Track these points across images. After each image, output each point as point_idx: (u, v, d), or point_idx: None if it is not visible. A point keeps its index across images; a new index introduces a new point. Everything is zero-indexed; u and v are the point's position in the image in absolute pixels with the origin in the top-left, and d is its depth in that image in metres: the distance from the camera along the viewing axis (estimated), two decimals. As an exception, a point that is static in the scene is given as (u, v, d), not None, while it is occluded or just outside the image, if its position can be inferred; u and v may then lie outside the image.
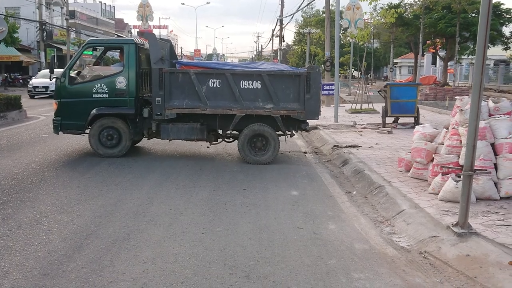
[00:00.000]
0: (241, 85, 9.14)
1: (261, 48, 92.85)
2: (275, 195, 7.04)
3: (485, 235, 4.88)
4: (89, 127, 9.47)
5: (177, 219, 5.79)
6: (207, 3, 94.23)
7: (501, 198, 6.16)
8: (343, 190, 7.51)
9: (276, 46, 54.79)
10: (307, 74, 9.14)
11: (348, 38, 25.41)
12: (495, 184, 6.22)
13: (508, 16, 38.39)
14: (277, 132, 9.48)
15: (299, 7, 37.73)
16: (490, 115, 6.82)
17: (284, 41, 50.60)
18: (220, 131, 9.91)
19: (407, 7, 39.50)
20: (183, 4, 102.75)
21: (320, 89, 9.63)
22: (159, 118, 9.27)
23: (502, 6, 38.11)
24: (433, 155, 6.97)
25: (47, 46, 41.05)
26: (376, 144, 10.93)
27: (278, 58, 46.02)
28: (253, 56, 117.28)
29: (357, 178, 8.07)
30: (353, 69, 40.47)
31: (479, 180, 6.03)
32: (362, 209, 6.46)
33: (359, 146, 10.62)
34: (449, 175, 6.16)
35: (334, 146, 10.78)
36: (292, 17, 43.53)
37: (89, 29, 53.65)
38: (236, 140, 9.79)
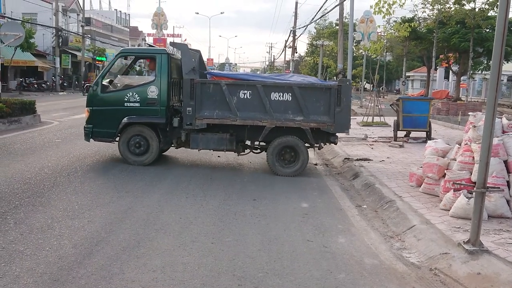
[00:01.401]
0: (272, 97, 9.13)
1: (274, 59, 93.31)
2: (285, 206, 7.04)
3: (497, 254, 4.83)
4: (119, 135, 9.61)
5: (187, 228, 5.81)
6: (221, 13, 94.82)
7: (513, 216, 6.10)
8: (353, 203, 7.49)
9: (288, 57, 54.99)
10: (338, 87, 9.13)
11: (361, 50, 25.39)
12: (508, 202, 6.16)
13: (523, 32, 38.23)
14: (305, 144, 9.47)
15: (313, 18, 38.00)
16: (503, 132, 6.78)
17: (296, 52, 50.80)
18: (248, 142, 9.95)
19: (420, 21, 39.44)
20: (197, 13, 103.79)
21: (350, 102, 9.59)
22: (189, 128, 9.34)
23: (517, 22, 37.98)
24: (445, 171, 6.93)
25: (62, 52, 41.54)
26: (388, 158, 10.89)
27: (290, 69, 46.14)
28: (265, 66, 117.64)
29: (367, 191, 8.03)
30: (365, 82, 40.43)
31: (491, 197, 5.98)
32: (372, 223, 6.43)
33: (370, 160, 10.58)
34: (461, 191, 6.11)
35: (345, 158, 10.76)
36: (305, 29, 43.58)
37: (104, 36, 54.23)
38: (262, 151, 9.91)
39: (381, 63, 43.08)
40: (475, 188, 4.96)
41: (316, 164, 10.80)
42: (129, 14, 76.05)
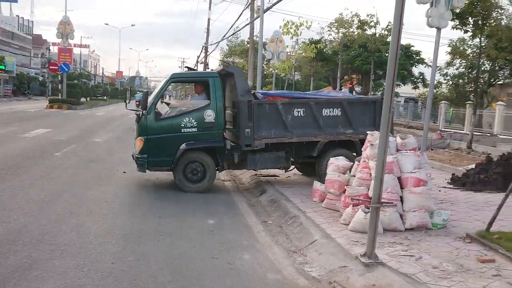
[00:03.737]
0: (323, 113, 9.49)
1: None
2: (191, 223, 6.95)
3: (390, 265, 5.10)
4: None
5: (85, 248, 5.52)
6: (132, 25, 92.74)
7: (406, 229, 6.49)
8: (259, 219, 7.58)
9: (200, 72, 54.95)
10: (381, 100, 9.26)
11: (271, 69, 26.15)
12: (401, 216, 6.57)
13: (417, 57, 41.50)
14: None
15: (224, 35, 38.26)
16: (397, 150, 7.25)
17: (208, 68, 50.97)
18: (296, 158, 9.98)
19: (327, 43, 41.40)
20: (107, 24, 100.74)
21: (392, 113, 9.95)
22: (248, 149, 9.22)
23: (412, 48, 41.15)
24: (345, 187, 7.26)
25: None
26: (294, 174, 11.18)
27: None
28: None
29: (273, 207, 8.18)
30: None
31: (386, 211, 6.34)
32: (277, 239, 6.54)
33: (277, 176, 10.81)
34: (359, 206, 6.43)
35: (253, 175, 10.89)
36: (217, 45, 43.93)
37: (3, 43, 50.76)
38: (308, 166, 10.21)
39: (290, 82, 44.61)
40: (371, 204, 5.23)
41: (224, 181, 10.82)
42: (32, 22, 72.05)
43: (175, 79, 9.92)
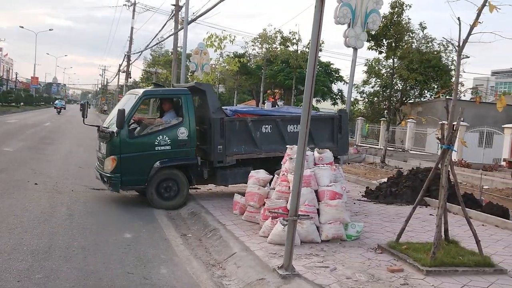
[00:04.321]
0: (288, 129, 9.81)
1: (107, 82, 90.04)
2: (107, 237, 6.70)
3: (306, 277, 5.22)
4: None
5: (-12, 266, 5.13)
6: (50, 29, 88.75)
7: (322, 241, 6.69)
8: (178, 232, 7.46)
9: (122, 81, 53.62)
10: (339, 117, 10.42)
11: (195, 81, 26.06)
12: (317, 228, 6.76)
13: (336, 75, 43.26)
14: None
15: (148, 45, 37.64)
16: (315, 164, 7.48)
17: (131, 77, 49.89)
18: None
19: (251, 57, 42.01)
20: (22, 27, 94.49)
21: (348, 129, 10.66)
22: (219, 166, 9.23)
23: (331, 66, 42.85)
24: (265, 200, 7.35)
25: None
26: (215, 186, 11.12)
27: (124, 94, 44.91)
28: (98, 89, 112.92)
29: (193, 220, 8.10)
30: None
31: (303, 224, 6.50)
32: (196, 252, 6.47)
33: (199, 188, 10.71)
34: (278, 219, 6.52)
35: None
36: (140, 55, 43.20)
37: None
38: None
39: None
40: (288, 216, 5.33)
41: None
42: None
43: (148, 96, 9.67)
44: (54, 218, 7.53)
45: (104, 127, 9.46)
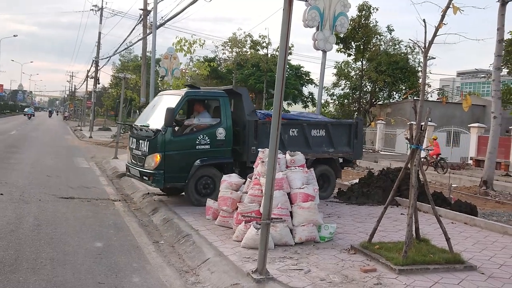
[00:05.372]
0: (312, 133, 10.51)
1: (75, 88, 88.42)
2: (76, 248, 6.52)
3: (281, 280, 5.20)
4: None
5: (-50, 281, 4.93)
6: (14, 35, 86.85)
7: (296, 243, 6.69)
8: (150, 239, 7.34)
9: (90, 87, 52.72)
10: (356, 124, 11.15)
11: (165, 86, 25.85)
12: (291, 230, 6.76)
13: (307, 78, 43.64)
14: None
15: (116, 50, 37.13)
16: (287, 166, 7.48)
17: (99, 83, 49.07)
18: None
19: (221, 61, 41.98)
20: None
21: (362, 135, 11.43)
22: (251, 166, 9.09)
23: (302, 69, 43.20)
24: (238, 204, 7.31)
25: None
26: (183, 193, 11.02)
27: (93, 100, 44.20)
28: (65, 96, 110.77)
29: (166, 226, 7.99)
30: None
31: (277, 227, 6.48)
32: (169, 259, 6.38)
33: (171, 194, 10.59)
34: (251, 223, 6.49)
35: (145, 194, 10.58)
36: (109, 60, 42.66)
37: None
38: None
39: (185, 99, 44.27)
40: (261, 220, 5.31)
41: (114, 200, 10.37)
42: None
43: (190, 96, 9.76)
44: (21, 229, 7.31)
45: (141, 125, 9.74)
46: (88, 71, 55.08)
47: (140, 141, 9.50)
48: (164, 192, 10.45)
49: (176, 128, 9.37)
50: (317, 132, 10.65)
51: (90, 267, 5.75)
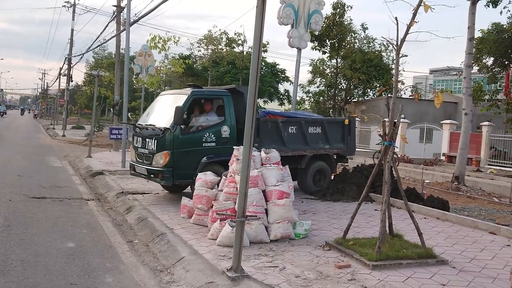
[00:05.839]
0: (309, 131, 10.87)
1: (47, 86, 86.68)
2: (48, 248, 6.40)
3: (256, 278, 5.21)
4: None
5: None
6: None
7: (271, 241, 6.70)
8: (124, 239, 7.25)
9: (63, 85, 51.75)
10: (349, 121, 11.56)
11: (140, 83, 25.56)
12: (266, 228, 6.76)
13: (283, 76, 43.72)
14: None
15: (89, 47, 36.47)
16: (262, 164, 7.48)
17: (72, 81, 48.22)
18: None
19: (196, 59, 41.72)
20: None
21: (355, 132, 12.07)
22: None
23: (278, 67, 43.26)
24: (213, 202, 7.28)
25: None
26: (162, 190, 10.96)
27: (66, 98, 43.40)
28: (38, 94, 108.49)
29: (140, 225, 7.90)
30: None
31: (252, 224, 6.48)
32: (143, 259, 6.31)
33: (145, 193, 10.50)
34: (226, 220, 6.48)
35: (119, 193, 10.45)
36: (82, 57, 41.94)
37: None
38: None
39: (160, 97, 43.88)
40: (236, 218, 5.29)
41: (88, 200, 10.21)
42: None
43: (196, 96, 9.85)
44: (-10, 230, 7.13)
45: (147, 124, 9.86)
46: (61, 69, 53.98)
47: (147, 139, 9.57)
48: (167, 189, 10.74)
49: (183, 126, 9.43)
50: (314, 129, 11.03)
51: (62, 268, 5.65)
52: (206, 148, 9.49)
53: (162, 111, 9.95)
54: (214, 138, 9.57)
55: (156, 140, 9.33)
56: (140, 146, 9.79)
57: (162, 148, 9.22)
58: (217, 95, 10.32)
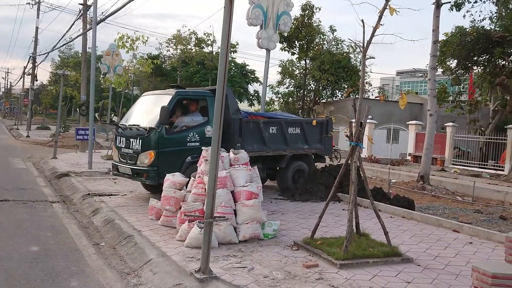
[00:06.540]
0: (289, 131, 11.18)
1: (11, 86, 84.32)
2: (10, 252, 6.23)
3: (224, 279, 5.19)
4: None
5: None
6: None
7: (240, 241, 6.70)
8: (91, 242, 7.12)
9: (28, 84, 50.46)
10: (327, 122, 12.01)
11: (108, 83, 25.15)
12: (235, 228, 6.76)
13: (252, 76, 43.80)
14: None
15: (55, 46, 35.64)
16: (231, 165, 7.47)
17: (37, 80, 47.04)
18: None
19: (165, 59, 41.34)
20: None
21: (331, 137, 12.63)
22: None
23: (247, 67, 43.32)
24: (181, 203, 7.22)
25: None
26: (130, 192, 10.82)
27: (30, 98, 42.32)
28: (1, 93, 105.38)
29: (107, 228, 7.77)
30: (112, 115, 40.01)
31: (221, 225, 6.46)
32: (110, 261, 6.21)
33: (113, 194, 10.34)
34: (194, 222, 6.43)
35: (85, 194, 10.25)
36: (47, 56, 40.99)
37: None
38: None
39: (129, 97, 43.40)
40: (204, 219, 5.27)
41: (52, 202, 9.97)
42: None
43: (181, 96, 9.89)
44: (-51, 234, 6.89)
45: (130, 124, 9.88)
46: (25, 68, 52.58)
47: (131, 139, 9.56)
48: (148, 190, 10.73)
49: (167, 126, 9.44)
50: (293, 130, 11.35)
51: (25, 272, 5.51)
52: (191, 147, 9.55)
53: (146, 111, 10.05)
54: (198, 138, 9.67)
55: (141, 140, 9.38)
56: (123, 146, 9.77)
57: (147, 147, 9.28)
58: (201, 96, 10.42)
